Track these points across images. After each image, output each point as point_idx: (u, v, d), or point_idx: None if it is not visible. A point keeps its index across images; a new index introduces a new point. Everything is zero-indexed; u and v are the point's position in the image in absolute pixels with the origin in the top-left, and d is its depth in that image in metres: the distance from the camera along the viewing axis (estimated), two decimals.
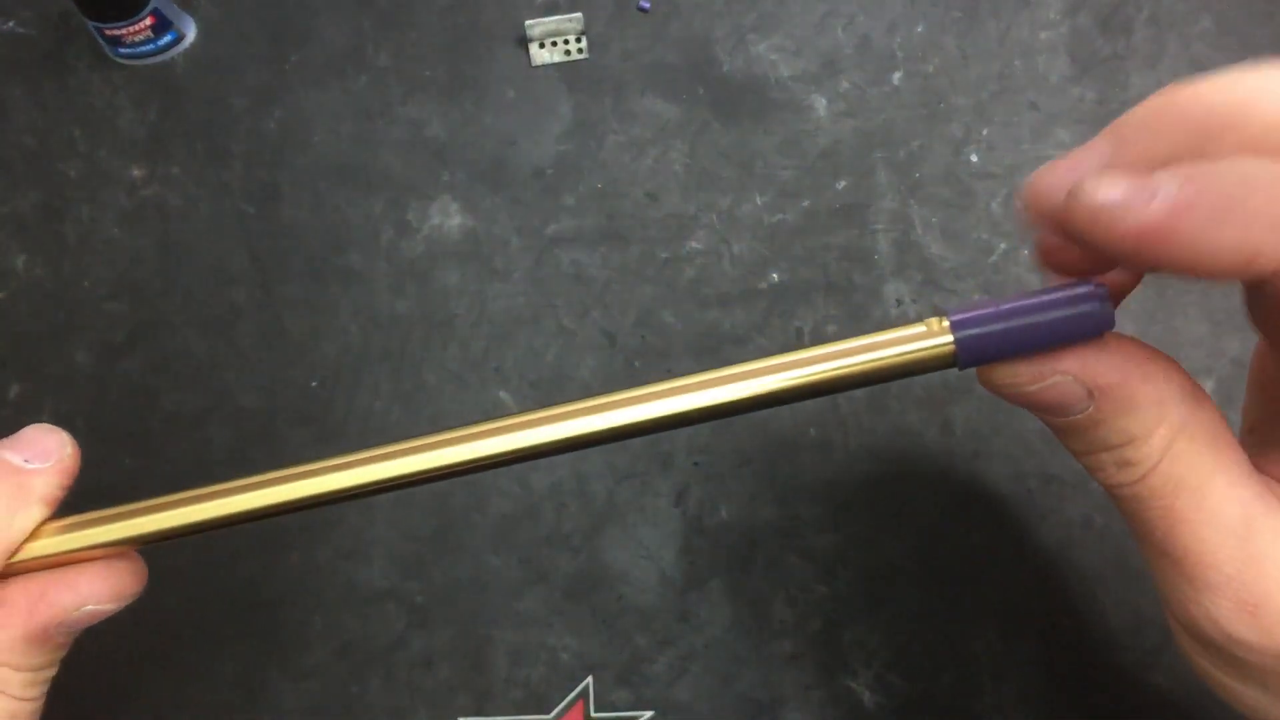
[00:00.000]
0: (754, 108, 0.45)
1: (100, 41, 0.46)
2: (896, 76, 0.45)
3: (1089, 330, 0.21)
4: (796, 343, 0.41)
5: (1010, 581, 0.38)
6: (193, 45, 0.47)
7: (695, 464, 0.40)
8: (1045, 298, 0.20)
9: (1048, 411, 0.22)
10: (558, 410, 0.23)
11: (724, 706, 0.37)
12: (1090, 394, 0.21)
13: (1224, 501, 0.21)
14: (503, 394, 0.41)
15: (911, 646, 0.38)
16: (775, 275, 0.42)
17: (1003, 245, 0.42)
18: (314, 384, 0.42)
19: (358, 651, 0.39)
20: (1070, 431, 0.22)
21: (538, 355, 0.42)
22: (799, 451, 0.40)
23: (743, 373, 0.22)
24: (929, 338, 0.21)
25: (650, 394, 0.23)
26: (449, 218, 0.44)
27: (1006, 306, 0.21)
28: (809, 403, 0.40)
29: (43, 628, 0.23)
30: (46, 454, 0.24)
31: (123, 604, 0.25)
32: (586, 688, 0.38)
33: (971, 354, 0.21)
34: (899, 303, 0.41)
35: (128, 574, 0.25)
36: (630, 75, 0.45)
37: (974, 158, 0.43)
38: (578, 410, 0.23)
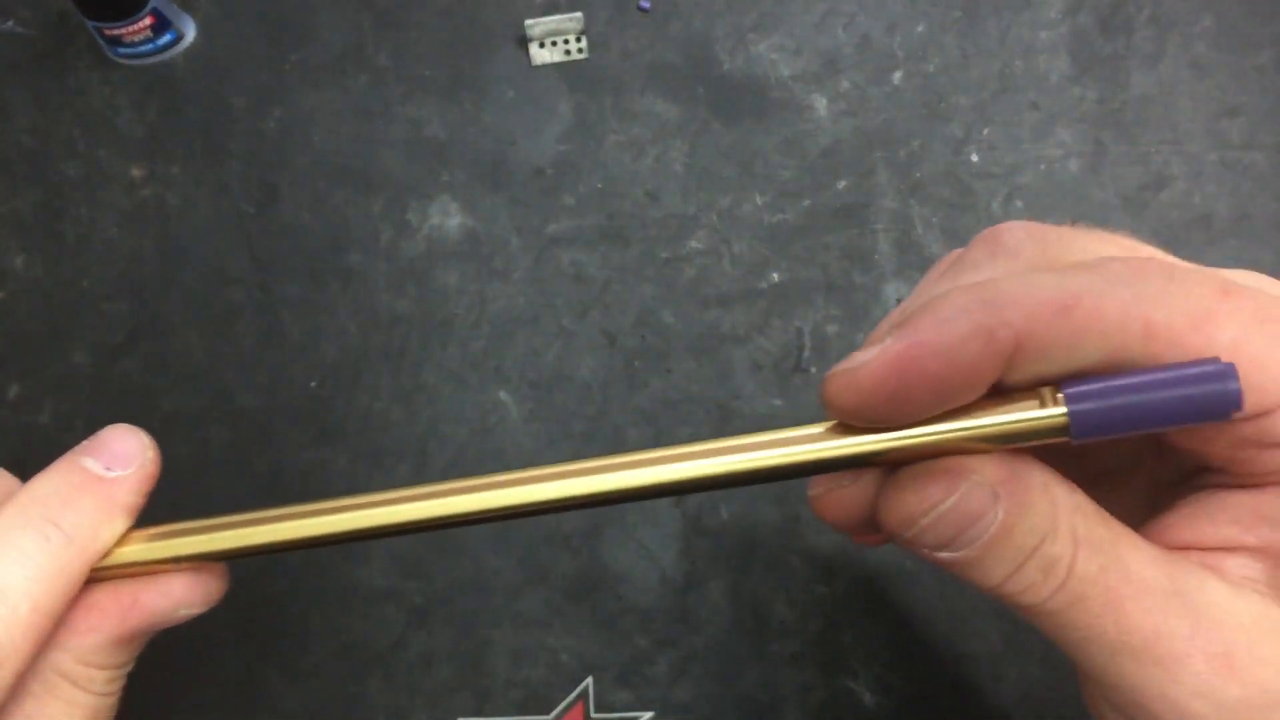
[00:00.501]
0: (754, 107, 0.44)
1: (99, 41, 0.46)
2: (897, 76, 0.45)
3: (1219, 410, 0.19)
4: (797, 343, 0.41)
5: None
6: (192, 45, 0.47)
7: None
8: (1170, 374, 0.19)
9: (958, 535, 0.20)
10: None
11: (724, 707, 0.37)
12: (996, 496, 0.20)
13: (1144, 565, 0.19)
14: (503, 394, 0.41)
15: (911, 647, 0.38)
16: (775, 275, 0.42)
17: None
18: (313, 384, 0.42)
19: (358, 651, 0.39)
20: (987, 558, 0.20)
21: (538, 355, 0.42)
22: None
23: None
24: (1042, 408, 0.19)
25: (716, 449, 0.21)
26: (449, 217, 0.44)
27: (1127, 381, 0.19)
28: (810, 404, 0.40)
29: (132, 632, 0.23)
30: (128, 459, 0.23)
31: (210, 606, 0.24)
32: (586, 688, 0.38)
33: (1087, 427, 0.19)
34: (899, 302, 0.41)
35: (216, 577, 0.24)
36: (630, 75, 0.45)
37: (974, 157, 0.43)
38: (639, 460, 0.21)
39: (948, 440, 0.20)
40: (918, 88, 0.44)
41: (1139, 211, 0.42)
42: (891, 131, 0.44)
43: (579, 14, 0.44)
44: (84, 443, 0.23)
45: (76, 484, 0.22)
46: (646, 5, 0.46)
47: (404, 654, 0.39)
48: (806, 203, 0.43)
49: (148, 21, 0.45)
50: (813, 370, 0.41)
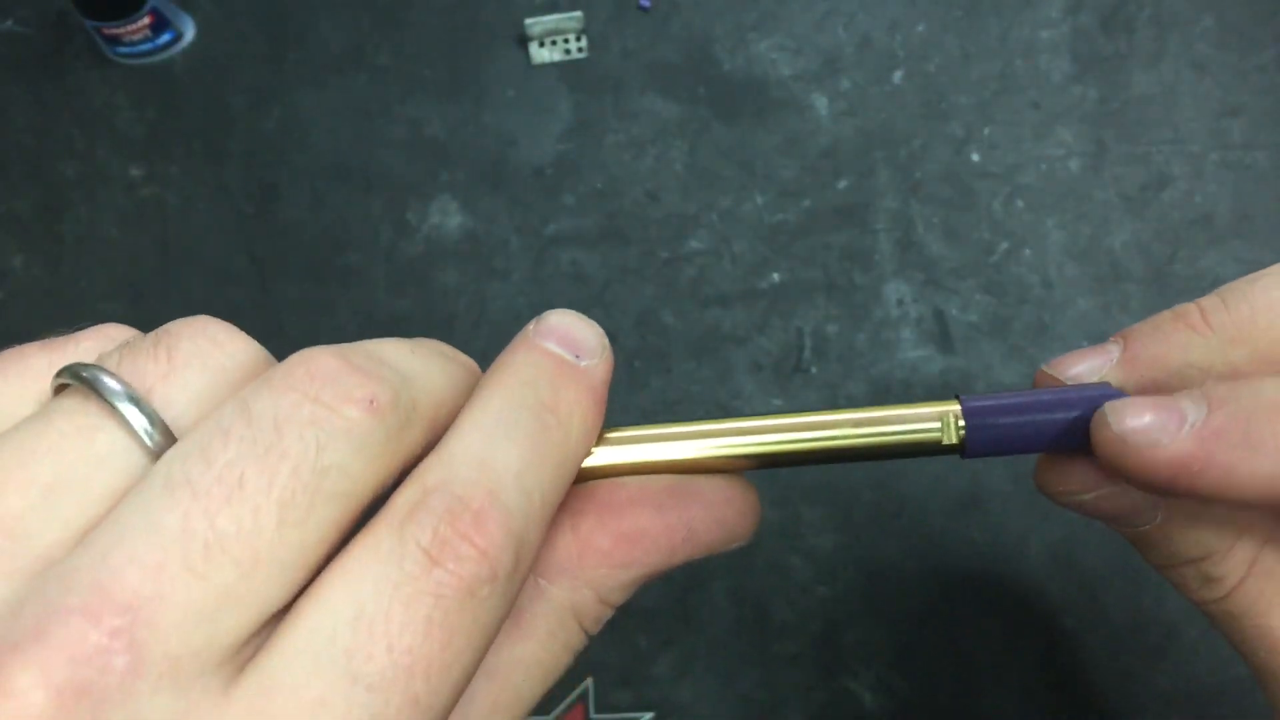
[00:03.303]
0: (754, 107, 0.44)
1: (98, 41, 0.46)
2: (897, 76, 0.44)
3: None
4: (797, 343, 0.41)
5: (1010, 581, 0.38)
6: (191, 44, 0.47)
7: None
8: (1060, 395, 0.19)
9: (1113, 522, 0.20)
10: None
11: (725, 707, 0.37)
12: (1156, 503, 0.19)
13: None
14: None
15: (912, 647, 0.37)
16: (776, 275, 0.42)
17: (1004, 244, 0.42)
18: None
19: None
20: (1143, 543, 0.20)
21: None
22: None
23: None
24: (935, 420, 0.19)
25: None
26: (448, 217, 0.44)
27: (1019, 399, 0.19)
28: (810, 403, 0.40)
29: (675, 565, 0.20)
30: (592, 349, 0.19)
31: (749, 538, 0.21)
32: (586, 689, 0.38)
33: (978, 444, 0.19)
34: (900, 302, 0.41)
35: (754, 500, 0.20)
36: (630, 74, 0.45)
37: (975, 157, 0.43)
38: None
39: (857, 443, 0.19)
40: (918, 87, 0.44)
41: (1140, 211, 0.42)
42: (892, 131, 0.44)
43: (579, 13, 0.44)
44: (534, 326, 0.19)
45: (555, 369, 0.18)
46: (646, 4, 0.46)
47: None
48: (807, 203, 0.43)
49: (147, 21, 0.45)
50: (813, 370, 0.41)
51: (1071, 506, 0.20)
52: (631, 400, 0.41)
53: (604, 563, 0.20)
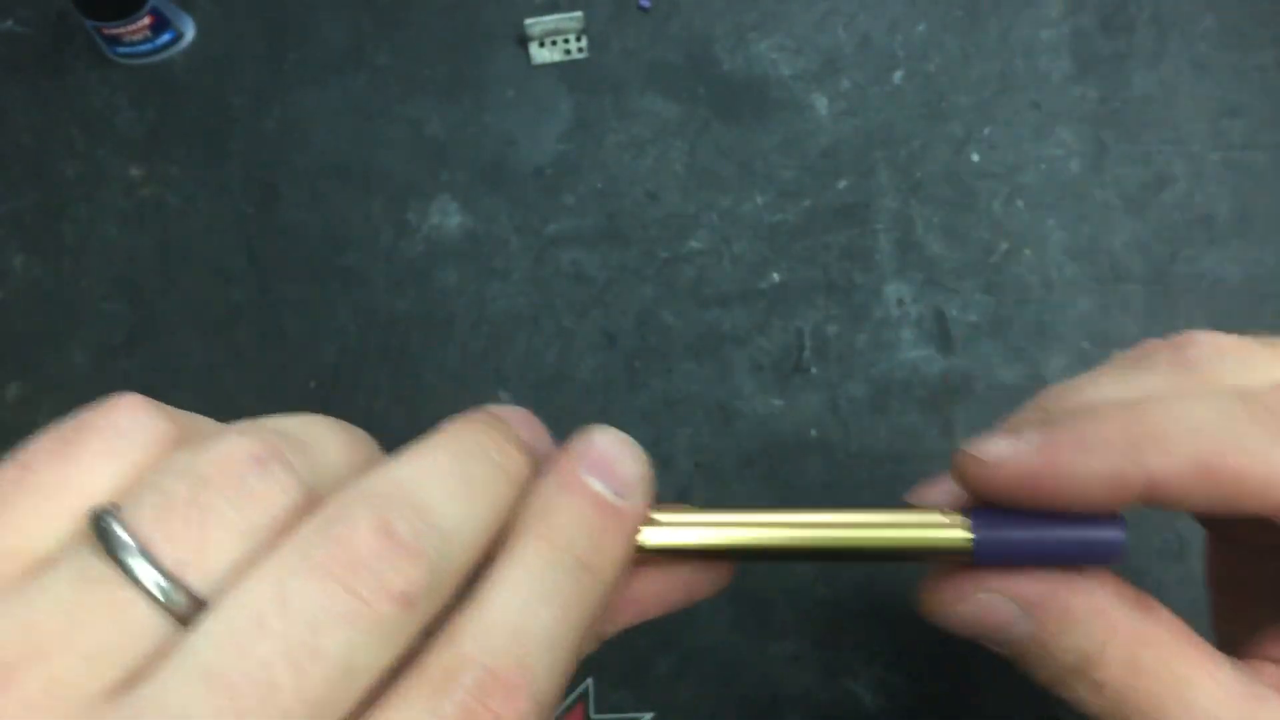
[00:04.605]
0: (754, 107, 0.44)
1: (98, 41, 0.46)
2: (897, 75, 0.44)
3: (1099, 555, 0.21)
4: (797, 343, 0.41)
5: None
6: (191, 44, 0.47)
7: (696, 465, 0.40)
8: (1069, 531, 0.21)
9: (990, 636, 0.22)
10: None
11: (725, 708, 0.37)
12: (1025, 612, 0.21)
13: (1214, 705, 0.19)
14: (503, 394, 0.41)
15: (912, 647, 0.37)
16: (776, 275, 0.42)
17: (1004, 245, 0.42)
18: (313, 385, 0.42)
19: None
20: (1028, 660, 0.21)
21: (538, 355, 0.42)
22: (800, 452, 0.40)
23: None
24: (947, 529, 0.21)
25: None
26: (448, 217, 0.44)
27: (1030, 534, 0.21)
28: (810, 404, 0.40)
29: (638, 622, 0.22)
30: (634, 485, 0.20)
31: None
32: (586, 689, 0.38)
33: (987, 556, 0.21)
34: (900, 303, 0.41)
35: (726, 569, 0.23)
36: (630, 74, 0.45)
37: (975, 157, 0.43)
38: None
39: (871, 541, 0.22)
40: (918, 87, 0.44)
41: (1140, 211, 0.42)
42: (892, 131, 0.44)
43: (579, 13, 0.44)
44: (577, 449, 0.20)
45: (595, 517, 0.19)
46: (647, 4, 0.46)
47: None
48: (807, 203, 0.43)
49: (147, 21, 0.45)
50: (813, 370, 0.41)
51: (953, 623, 0.23)
52: (631, 400, 0.41)
53: (614, 621, 0.21)
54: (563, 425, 0.42)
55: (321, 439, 0.19)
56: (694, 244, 0.43)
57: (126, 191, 0.45)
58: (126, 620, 0.15)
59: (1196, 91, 0.43)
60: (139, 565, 0.15)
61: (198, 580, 0.15)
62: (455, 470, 0.18)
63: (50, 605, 0.15)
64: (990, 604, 0.21)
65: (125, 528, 0.15)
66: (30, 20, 0.48)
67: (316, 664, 0.14)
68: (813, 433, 0.40)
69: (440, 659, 0.16)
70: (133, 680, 0.14)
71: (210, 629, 0.15)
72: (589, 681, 0.38)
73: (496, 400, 0.41)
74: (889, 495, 0.39)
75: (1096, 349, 0.40)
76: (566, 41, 0.45)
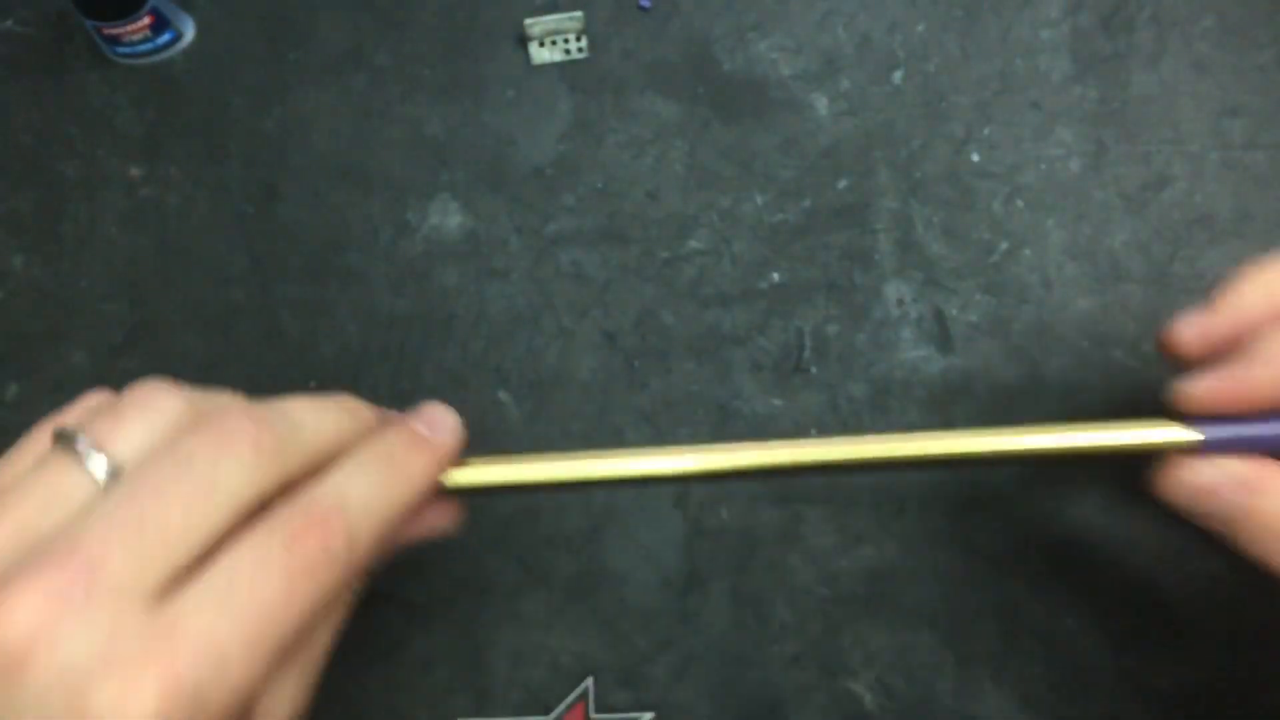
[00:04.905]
0: (754, 107, 0.44)
1: (98, 41, 0.46)
2: (897, 75, 0.44)
3: None
4: (797, 343, 0.41)
5: (1010, 581, 0.38)
6: (191, 44, 0.47)
7: None
8: None
9: (1209, 508, 0.27)
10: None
11: (725, 708, 0.37)
12: (1240, 484, 0.27)
13: None
14: (502, 394, 0.41)
15: (912, 647, 0.37)
16: (776, 275, 0.42)
17: (1004, 244, 0.42)
18: (313, 384, 0.42)
19: (358, 652, 0.39)
20: (1237, 528, 0.27)
21: (538, 355, 0.42)
22: None
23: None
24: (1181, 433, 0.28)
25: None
26: (448, 217, 0.44)
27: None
28: (810, 404, 0.40)
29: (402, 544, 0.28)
30: (446, 429, 0.28)
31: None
32: (586, 690, 0.38)
33: (1213, 447, 0.27)
34: (900, 303, 0.41)
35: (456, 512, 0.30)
36: (630, 74, 0.45)
37: (975, 157, 0.43)
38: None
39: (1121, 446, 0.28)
40: (918, 87, 0.44)
41: (1140, 211, 0.42)
42: (892, 131, 0.44)
43: (579, 13, 0.44)
44: (411, 411, 0.29)
45: (411, 439, 0.27)
46: (647, 4, 0.46)
47: (404, 654, 0.39)
48: (807, 203, 0.43)
49: (147, 21, 0.45)
50: (813, 370, 0.41)
51: (1182, 495, 0.27)
52: (631, 400, 0.41)
53: (407, 534, 0.28)
54: (563, 425, 0.42)
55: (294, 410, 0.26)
56: (694, 244, 0.43)
57: (126, 191, 0.45)
58: (64, 482, 0.22)
59: (1196, 91, 0.43)
60: (79, 443, 0.23)
61: (115, 451, 0.23)
62: (316, 403, 0.26)
63: (10, 481, 0.23)
64: (1213, 476, 0.27)
65: (73, 429, 0.23)
66: (30, 20, 0.48)
67: (189, 475, 0.22)
68: (813, 433, 0.40)
69: (282, 508, 0.23)
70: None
71: (134, 472, 0.22)
72: (589, 681, 0.38)
73: (496, 400, 0.41)
74: (889, 495, 0.39)
75: (1096, 349, 0.40)
76: (566, 41, 0.45)
